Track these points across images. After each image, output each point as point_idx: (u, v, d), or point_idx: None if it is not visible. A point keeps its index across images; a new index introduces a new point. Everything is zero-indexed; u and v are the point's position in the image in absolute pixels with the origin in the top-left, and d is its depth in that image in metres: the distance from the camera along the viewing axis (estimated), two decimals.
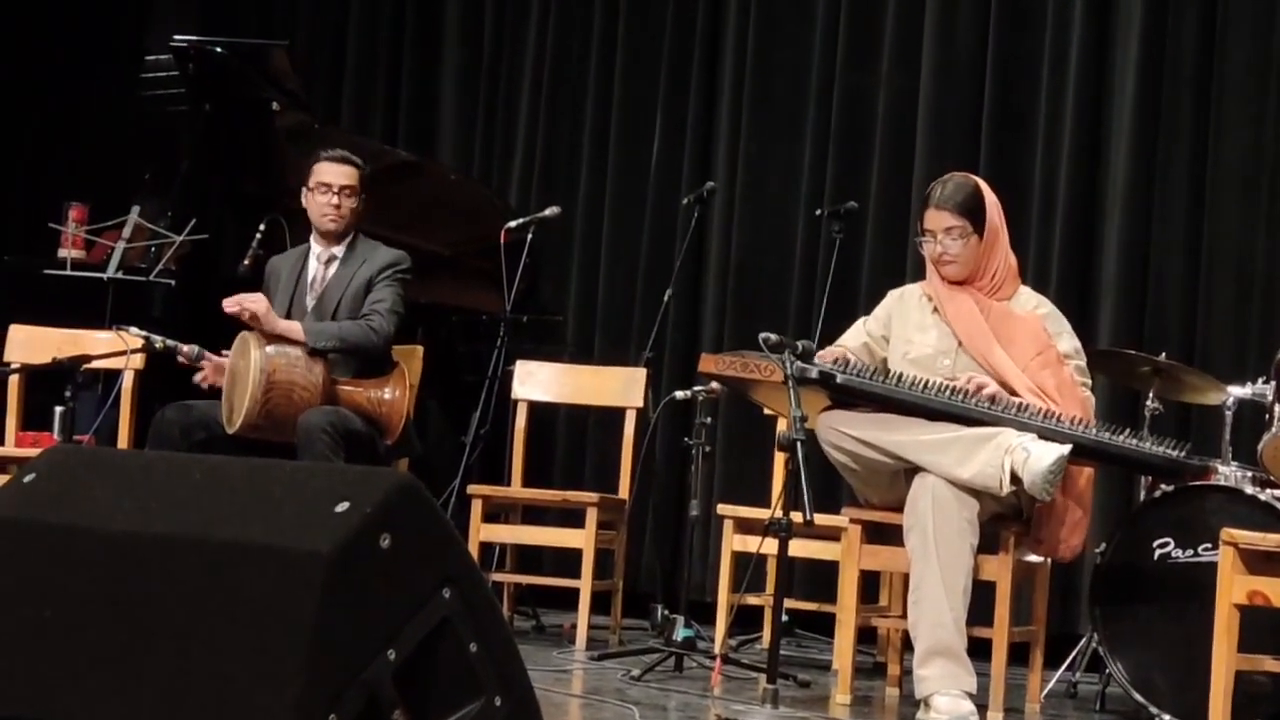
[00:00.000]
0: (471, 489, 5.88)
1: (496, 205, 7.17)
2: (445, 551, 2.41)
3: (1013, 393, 4.62)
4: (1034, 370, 4.69)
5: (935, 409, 4.55)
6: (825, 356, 4.66)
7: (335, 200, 5.59)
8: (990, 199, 4.81)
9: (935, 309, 4.84)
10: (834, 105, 6.90)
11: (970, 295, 4.80)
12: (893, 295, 5.01)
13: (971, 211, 4.75)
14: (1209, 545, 4.67)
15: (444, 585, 2.39)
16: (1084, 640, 5.31)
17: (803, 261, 6.86)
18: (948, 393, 4.57)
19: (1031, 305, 4.85)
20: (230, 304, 5.34)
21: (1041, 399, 4.62)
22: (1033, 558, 4.78)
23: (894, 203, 6.66)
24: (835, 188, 6.79)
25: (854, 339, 4.93)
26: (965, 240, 4.75)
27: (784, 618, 5.31)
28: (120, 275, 6.47)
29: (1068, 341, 4.81)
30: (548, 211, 6.37)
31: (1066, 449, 4.44)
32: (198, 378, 5.47)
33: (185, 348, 5.41)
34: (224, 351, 5.41)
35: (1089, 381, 4.82)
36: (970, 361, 4.74)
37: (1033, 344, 4.72)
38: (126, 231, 6.68)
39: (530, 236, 6.27)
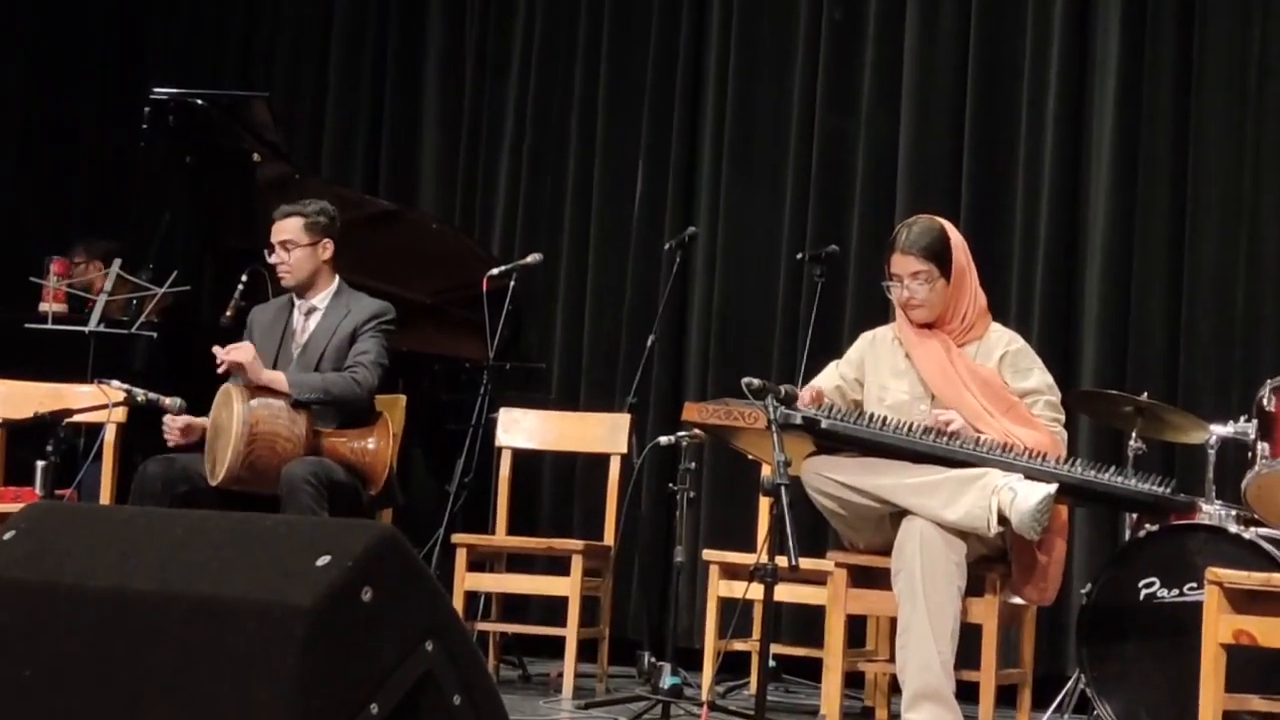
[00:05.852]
0: (456, 538, 5.86)
1: (478, 253, 7.16)
2: (427, 603, 2.40)
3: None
4: (1006, 424, 4.67)
5: (920, 452, 4.54)
6: (803, 397, 4.64)
7: (277, 257, 5.59)
8: (956, 240, 4.79)
9: (908, 354, 4.82)
10: (814, 149, 6.90)
11: (939, 340, 4.77)
12: (864, 338, 4.98)
13: (938, 255, 4.72)
14: (1194, 584, 4.66)
15: (427, 637, 2.38)
16: (1071, 681, 5.29)
17: (785, 305, 6.86)
18: (931, 435, 4.57)
19: (1004, 342, 4.82)
20: (220, 353, 5.33)
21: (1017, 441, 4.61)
22: (1019, 600, 4.77)
23: (875, 246, 6.62)
24: (816, 231, 6.80)
25: (827, 381, 4.90)
26: (932, 285, 4.72)
27: (771, 663, 5.28)
28: (102, 329, 6.45)
29: (1039, 377, 4.79)
30: (530, 258, 6.37)
31: (1053, 488, 4.44)
32: (169, 434, 5.41)
33: (167, 400, 5.38)
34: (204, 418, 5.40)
35: (1061, 417, 4.79)
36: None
37: (996, 403, 4.70)
38: (108, 284, 6.67)
39: (513, 284, 6.28)
